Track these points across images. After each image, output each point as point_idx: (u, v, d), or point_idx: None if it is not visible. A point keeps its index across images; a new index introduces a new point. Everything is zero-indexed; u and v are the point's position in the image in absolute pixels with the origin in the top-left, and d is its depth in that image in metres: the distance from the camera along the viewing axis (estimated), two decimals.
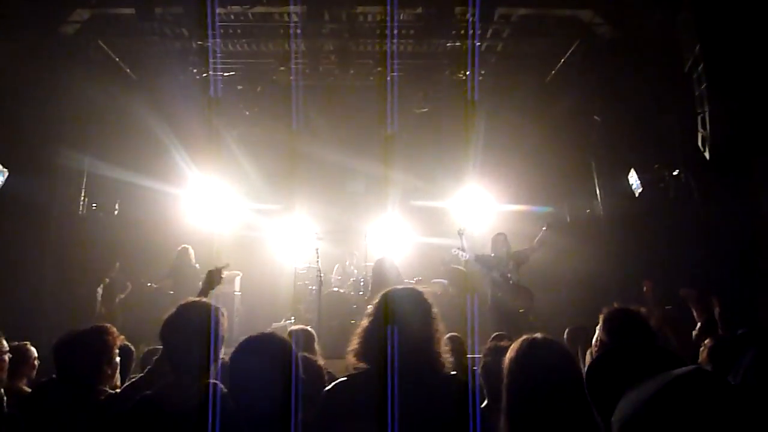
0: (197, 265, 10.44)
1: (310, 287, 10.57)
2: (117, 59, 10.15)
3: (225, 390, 2.24)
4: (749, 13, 6.61)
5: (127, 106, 9.91)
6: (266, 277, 11.96)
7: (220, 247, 11.38)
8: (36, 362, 4.05)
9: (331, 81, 11.25)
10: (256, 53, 10.49)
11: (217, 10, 8.43)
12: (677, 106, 7.94)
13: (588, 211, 10.80)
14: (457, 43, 9.80)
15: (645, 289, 5.03)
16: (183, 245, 10.41)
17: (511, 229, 9.37)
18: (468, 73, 10.29)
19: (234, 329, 10.75)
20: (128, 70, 10.49)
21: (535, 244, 8.75)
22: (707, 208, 7.48)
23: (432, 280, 11.27)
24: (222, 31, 9.42)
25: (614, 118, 9.57)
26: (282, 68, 10.61)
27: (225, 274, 3.53)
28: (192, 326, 2.29)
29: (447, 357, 2.49)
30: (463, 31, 9.40)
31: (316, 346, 4.37)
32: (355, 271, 11.24)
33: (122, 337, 3.19)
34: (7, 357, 3.66)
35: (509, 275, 8.56)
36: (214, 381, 2.26)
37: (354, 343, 2.56)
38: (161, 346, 2.53)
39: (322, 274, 9.49)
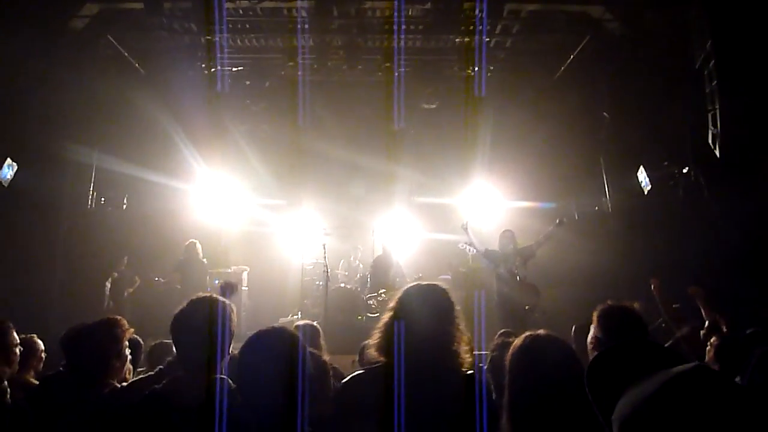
0: (205, 260, 10.48)
1: (317, 283, 10.59)
2: (126, 54, 10.18)
3: (233, 385, 2.24)
4: (761, 10, 6.56)
5: (136, 100, 9.94)
6: (273, 273, 11.99)
7: (228, 242, 11.43)
8: (43, 355, 4.07)
9: (338, 76, 11.25)
10: (264, 48, 10.50)
11: (225, 5, 8.45)
12: (687, 103, 7.89)
13: (596, 208, 10.76)
14: (466, 39, 9.77)
15: (652, 286, 5.01)
16: (191, 240, 10.45)
17: (518, 225, 9.34)
18: (476, 69, 10.26)
19: (241, 324, 10.78)
20: (137, 65, 10.53)
21: (542, 238, 8.71)
22: (717, 205, 7.43)
23: (439, 277, 11.28)
24: (230, 26, 9.43)
25: (623, 114, 9.52)
26: (290, 63, 10.61)
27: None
28: (201, 321, 2.30)
29: (467, 357, 2.47)
30: (471, 27, 9.37)
31: (322, 342, 4.37)
32: (361, 266, 11.28)
33: (132, 330, 3.19)
34: (18, 350, 3.68)
35: (516, 271, 8.54)
36: (222, 376, 2.26)
37: (375, 337, 2.56)
38: (169, 340, 2.54)
39: (328, 270, 9.50)
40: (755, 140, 6.83)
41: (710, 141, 7.12)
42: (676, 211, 8.42)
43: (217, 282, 10.54)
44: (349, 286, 10.68)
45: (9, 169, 8.25)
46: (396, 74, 10.38)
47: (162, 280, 10.63)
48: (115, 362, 3.02)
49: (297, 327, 4.36)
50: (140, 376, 3.41)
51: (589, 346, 2.69)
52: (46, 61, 8.36)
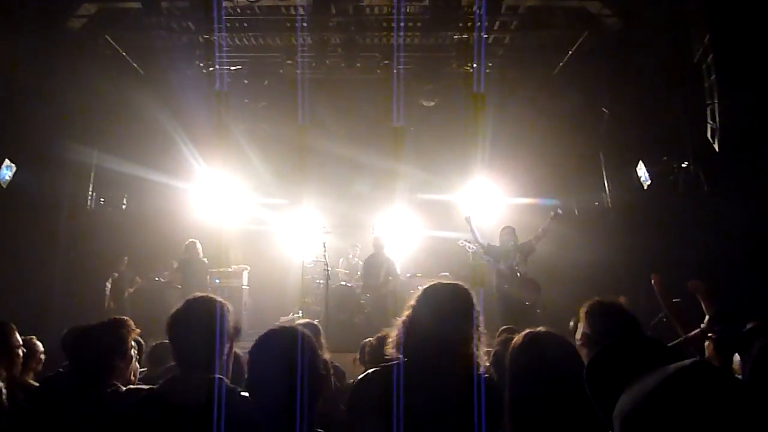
0: (205, 259, 10.49)
1: (317, 281, 10.60)
2: (124, 54, 10.17)
3: (231, 385, 2.24)
4: (759, 4, 6.55)
5: (135, 100, 9.94)
6: (274, 271, 11.99)
7: (228, 241, 11.43)
8: (42, 356, 4.07)
9: (337, 74, 11.24)
10: (262, 47, 10.49)
11: (223, 4, 8.44)
12: (686, 98, 7.88)
13: (596, 203, 10.76)
14: (464, 36, 9.75)
15: (653, 282, 5.01)
16: (191, 239, 10.45)
17: (518, 221, 9.34)
18: (475, 65, 10.24)
19: (242, 323, 10.78)
20: (135, 65, 10.52)
21: (540, 232, 8.71)
22: (716, 200, 7.43)
23: (439, 274, 11.29)
24: (228, 24, 9.42)
25: (622, 109, 9.51)
26: (289, 62, 10.60)
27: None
28: (198, 321, 2.30)
29: (485, 359, 2.46)
30: (470, 23, 9.37)
31: (323, 340, 4.37)
32: (360, 264, 11.28)
33: (138, 331, 3.19)
34: (21, 351, 3.68)
35: (516, 268, 8.54)
36: (220, 376, 2.26)
37: (393, 334, 2.56)
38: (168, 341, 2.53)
39: (329, 268, 9.51)
40: (754, 134, 6.82)
41: (709, 135, 7.12)
42: (676, 205, 8.42)
43: (217, 282, 10.56)
44: (349, 285, 10.69)
45: (8, 170, 8.25)
46: (395, 71, 10.37)
47: (162, 280, 10.64)
48: (119, 363, 3.02)
49: (297, 326, 4.36)
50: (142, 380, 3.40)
51: (578, 343, 2.69)
52: (44, 61, 8.35)
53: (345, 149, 11.65)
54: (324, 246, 9.62)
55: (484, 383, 2.32)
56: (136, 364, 3.32)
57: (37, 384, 3.71)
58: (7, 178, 8.24)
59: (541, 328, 2.39)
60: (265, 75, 11.19)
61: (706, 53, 7.02)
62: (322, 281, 9.81)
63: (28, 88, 8.24)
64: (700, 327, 4.36)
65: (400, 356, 2.46)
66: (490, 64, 10.72)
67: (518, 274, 8.52)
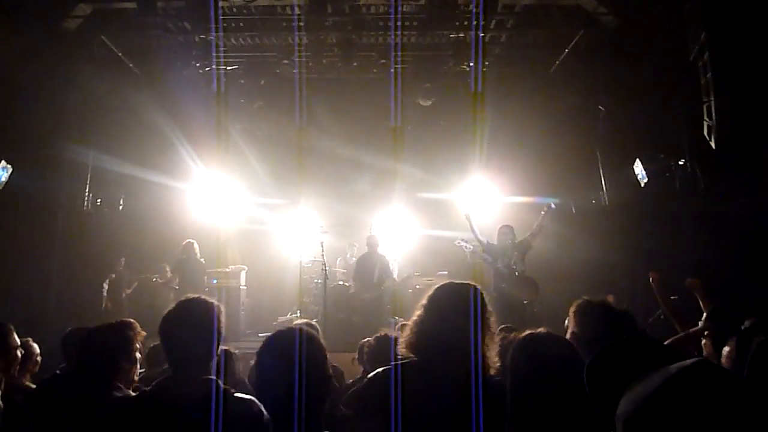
0: (203, 260, 10.49)
1: (315, 281, 10.59)
2: (120, 54, 10.15)
3: (224, 386, 2.25)
4: (755, 1, 6.56)
5: (131, 100, 9.92)
6: (272, 271, 12.00)
7: (226, 242, 11.43)
8: (39, 358, 4.07)
9: (334, 74, 11.23)
10: (259, 47, 10.47)
11: (220, 4, 8.41)
12: (682, 96, 7.89)
13: (593, 201, 10.77)
14: (461, 34, 9.75)
15: (651, 280, 5.02)
16: (188, 240, 10.44)
17: (516, 220, 9.35)
18: (472, 64, 10.23)
19: (240, 323, 10.80)
20: (131, 65, 10.49)
21: (535, 229, 8.71)
22: (713, 197, 7.44)
23: (437, 273, 11.29)
24: (224, 24, 9.39)
25: (619, 107, 9.52)
26: (285, 61, 10.58)
27: None
28: (191, 322, 2.30)
29: (495, 360, 2.45)
30: (466, 22, 9.36)
31: (322, 340, 4.36)
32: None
33: (144, 333, 3.19)
34: (19, 352, 3.67)
35: (514, 266, 8.54)
36: (212, 377, 2.27)
37: (405, 333, 2.56)
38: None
39: (327, 268, 9.50)
40: (750, 131, 6.83)
41: (706, 133, 7.12)
42: (673, 203, 8.43)
43: (215, 282, 10.55)
44: (347, 284, 10.68)
45: (3, 172, 8.22)
46: (392, 71, 10.36)
47: (160, 281, 10.62)
48: (124, 364, 3.02)
49: (305, 327, 4.36)
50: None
51: None
52: (39, 61, 8.33)
53: (342, 148, 11.65)
54: (322, 245, 9.62)
55: (494, 385, 2.32)
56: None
57: (34, 386, 3.70)
58: (3, 179, 8.22)
59: (541, 329, 2.39)
60: (261, 75, 11.18)
61: (702, 51, 7.02)
62: (320, 281, 9.80)
63: (24, 88, 8.23)
64: (697, 324, 4.37)
65: (412, 356, 2.46)
66: (487, 63, 10.70)
67: (516, 273, 8.52)
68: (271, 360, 2.20)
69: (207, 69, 10.71)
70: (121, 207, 11.10)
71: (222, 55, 10.38)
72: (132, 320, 3.18)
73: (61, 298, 8.88)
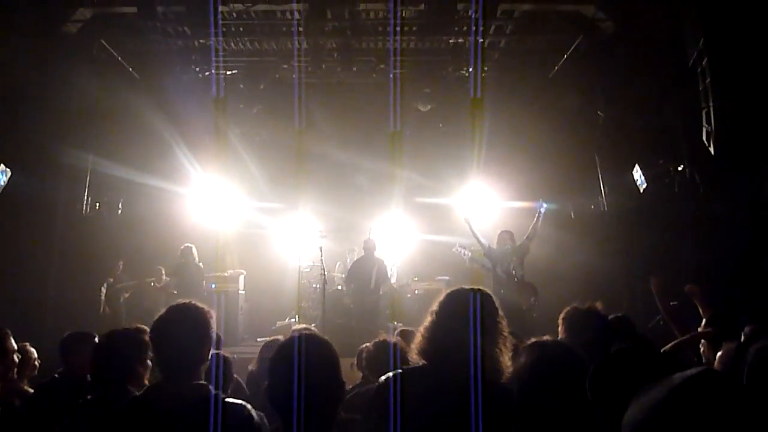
0: (201, 264, 10.47)
1: (313, 285, 10.56)
2: (120, 58, 10.15)
3: (214, 391, 2.25)
4: (753, 7, 6.57)
5: (131, 104, 9.92)
6: (270, 276, 11.97)
7: (224, 246, 11.42)
8: (36, 363, 4.06)
9: (334, 79, 11.24)
10: (258, 51, 10.48)
11: (219, 8, 8.42)
12: (681, 101, 7.90)
13: (592, 206, 10.78)
14: (460, 40, 9.78)
15: (652, 285, 5.01)
16: (186, 244, 10.42)
17: (515, 225, 9.34)
18: (471, 69, 10.26)
19: (238, 327, 10.78)
20: (131, 69, 10.50)
21: (530, 231, 8.71)
22: (712, 203, 7.44)
23: (436, 278, 11.28)
24: (224, 29, 9.40)
25: (618, 113, 9.53)
26: (285, 66, 10.60)
27: None
28: (181, 327, 2.30)
29: (508, 365, 2.44)
30: (465, 28, 9.38)
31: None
32: None
33: None
34: (16, 357, 3.67)
35: (513, 272, 8.53)
36: (203, 382, 2.26)
37: (416, 339, 2.55)
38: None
39: (326, 273, 9.48)
40: (749, 137, 6.84)
41: (705, 138, 7.13)
42: (672, 208, 8.44)
43: (213, 286, 10.53)
44: (346, 289, 10.65)
45: (2, 175, 8.22)
46: (391, 76, 10.38)
47: (158, 285, 10.60)
48: (139, 369, 3.03)
49: (294, 332, 4.34)
50: None
51: None
52: (39, 65, 8.34)
53: (341, 153, 11.65)
54: (320, 250, 9.60)
55: (503, 392, 2.31)
56: None
57: (32, 390, 3.69)
58: (2, 183, 8.21)
59: (547, 338, 2.38)
60: (261, 79, 11.18)
61: (701, 57, 7.04)
62: (318, 285, 9.77)
63: (23, 92, 8.23)
64: (696, 330, 4.36)
65: (423, 362, 2.46)
66: (486, 68, 10.73)
67: (515, 278, 8.51)
68: (285, 365, 2.18)
69: (206, 73, 10.73)
70: (119, 211, 11.10)
71: (221, 59, 10.39)
72: (145, 327, 3.17)
73: (60, 302, 8.86)
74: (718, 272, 6.73)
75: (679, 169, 8.31)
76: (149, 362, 3.15)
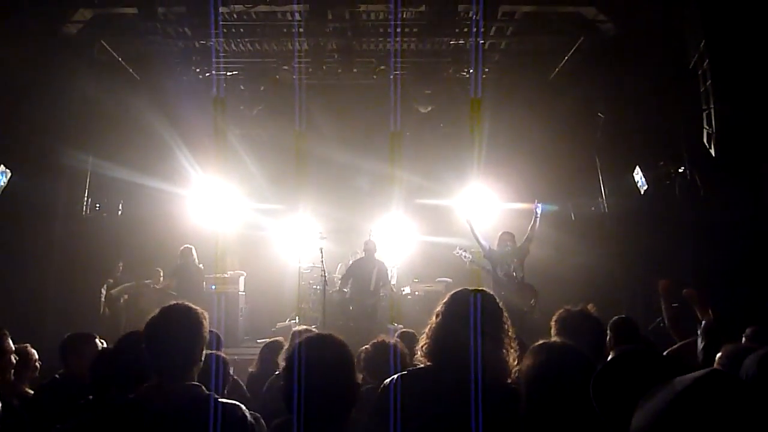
0: (201, 265, 10.46)
1: (314, 287, 10.55)
2: (120, 59, 10.15)
3: (207, 392, 2.25)
4: (754, 8, 6.57)
5: (131, 106, 9.92)
6: (270, 277, 11.96)
7: (224, 247, 11.41)
8: (37, 364, 4.05)
9: (334, 80, 11.24)
10: (259, 52, 10.49)
11: (220, 10, 8.42)
12: (682, 103, 7.89)
13: (593, 208, 10.77)
14: (461, 41, 9.77)
15: (660, 287, 5.01)
16: (186, 245, 10.42)
17: (515, 227, 9.32)
18: (471, 70, 10.26)
19: (239, 328, 10.77)
20: (131, 70, 10.49)
21: (529, 232, 8.70)
22: (713, 205, 7.43)
23: (436, 280, 11.27)
24: (225, 30, 9.41)
25: (619, 114, 9.53)
26: (285, 67, 10.59)
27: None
28: (174, 328, 2.30)
29: (514, 365, 2.43)
30: (466, 29, 9.38)
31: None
32: None
33: None
34: (13, 357, 3.66)
35: (514, 274, 8.52)
36: (196, 383, 2.26)
37: (422, 341, 2.56)
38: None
39: (326, 274, 9.47)
40: (750, 139, 6.83)
41: (705, 140, 7.12)
42: (673, 210, 8.43)
43: (213, 288, 10.52)
44: (346, 290, 10.63)
45: (2, 176, 8.22)
46: (391, 77, 10.38)
47: (157, 286, 10.60)
48: (148, 373, 3.02)
49: (294, 333, 4.34)
50: None
51: None
52: (39, 66, 8.33)
53: (341, 154, 11.64)
54: (321, 251, 9.59)
55: (509, 392, 2.31)
56: None
57: (32, 392, 3.68)
58: (2, 183, 8.21)
59: (555, 340, 2.38)
60: (261, 81, 11.18)
61: (702, 58, 7.03)
62: (319, 287, 9.76)
63: (24, 93, 8.22)
64: (695, 335, 4.35)
65: (430, 363, 2.46)
66: (487, 70, 10.74)
67: (516, 280, 8.50)
68: (305, 367, 2.17)
69: (207, 74, 10.74)
70: (120, 212, 11.09)
71: (222, 60, 10.40)
72: None
73: (60, 304, 8.85)
74: (719, 274, 6.72)
75: (680, 170, 8.30)
76: None
